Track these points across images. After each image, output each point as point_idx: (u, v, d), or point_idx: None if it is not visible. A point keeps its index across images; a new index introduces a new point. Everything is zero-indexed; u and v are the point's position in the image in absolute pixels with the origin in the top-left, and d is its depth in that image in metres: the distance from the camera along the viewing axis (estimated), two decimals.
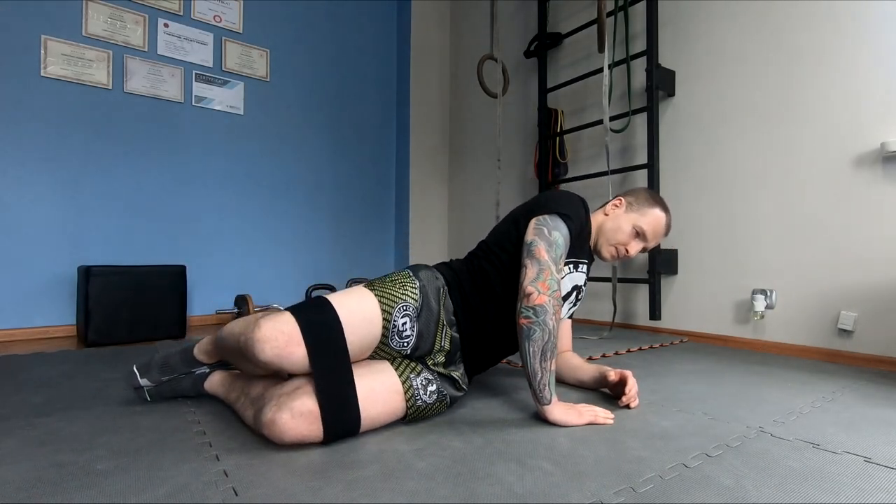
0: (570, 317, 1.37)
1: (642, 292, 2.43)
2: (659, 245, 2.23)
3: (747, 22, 2.10)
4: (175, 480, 0.77)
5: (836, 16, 1.84)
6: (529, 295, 1.01)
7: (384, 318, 0.99)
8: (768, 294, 1.97)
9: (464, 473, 0.80)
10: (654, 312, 2.23)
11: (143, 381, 1.16)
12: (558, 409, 1.03)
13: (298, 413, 0.87)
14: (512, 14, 3.27)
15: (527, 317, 1.00)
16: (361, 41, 3.47)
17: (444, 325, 1.08)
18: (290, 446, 0.89)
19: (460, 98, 3.69)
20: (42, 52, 2.30)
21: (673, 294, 2.33)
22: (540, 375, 1.00)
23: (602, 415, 1.06)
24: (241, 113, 2.90)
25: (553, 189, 1.51)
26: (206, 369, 1.18)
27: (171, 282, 2.25)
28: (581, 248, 1.24)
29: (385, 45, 3.61)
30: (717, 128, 2.19)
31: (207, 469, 0.81)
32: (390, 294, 1.03)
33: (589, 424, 1.04)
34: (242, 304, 2.59)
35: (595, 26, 2.57)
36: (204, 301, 2.75)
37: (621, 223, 1.26)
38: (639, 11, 2.45)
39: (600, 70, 2.45)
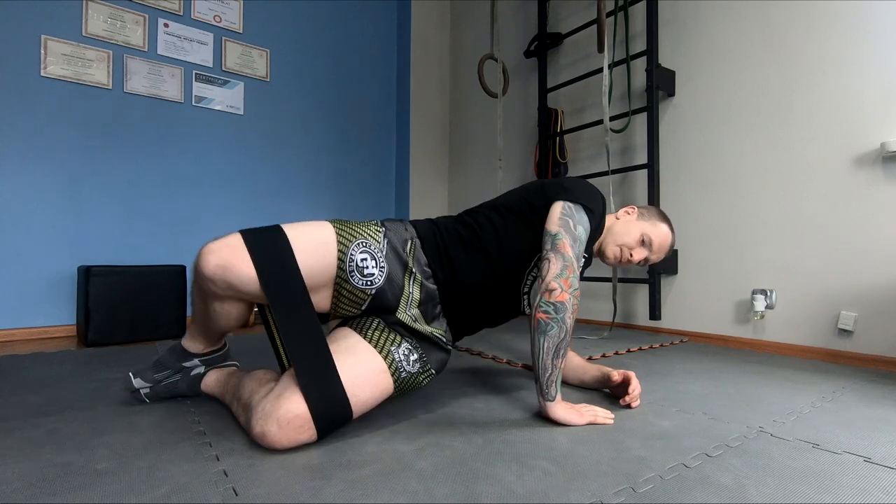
0: None
1: (642, 292, 2.43)
2: None
3: (747, 22, 2.10)
4: (175, 480, 0.77)
5: (836, 16, 1.84)
6: (552, 291, 1.00)
7: (340, 251, 0.97)
8: (768, 294, 1.97)
9: (464, 473, 0.80)
10: (654, 312, 2.23)
11: (138, 382, 1.15)
12: (560, 408, 1.03)
13: (285, 422, 0.86)
14: (512, 14, 3.27)
15: (546, 312, 1.00)
16: (361, 41, 3.47)
17: (413, 273, 1.05)
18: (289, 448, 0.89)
19: (460, 98, 3.69)
20: (42, 52, 2.30)
21: (673, 294, 2.33)
22: (550, 372, 1.00)
23: (602, 415, 1.06)
24: (241, 113, 2.90)
25: (573, 176, 1.50)
26: (200, 368, 1.17)
27: (171, 282, 2.25)
28: (588, 246, 1.23)
29: (385, 45, 3.61)
30: (717, 128, 2.19)
31: (207, 469, 0.81)
32: (350, 230, 1.01)
33: (589, 424, 1.04)
34: None
35: (595, 26, 2.57)
36: None
37: (631, 228, 1.27)
38: (639, 11, 2.45)
39: (600, 70, 2.45)
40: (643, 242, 1.26)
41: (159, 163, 2.62)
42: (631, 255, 1.25)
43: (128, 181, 2.52)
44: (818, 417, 1.12)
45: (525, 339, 2.11)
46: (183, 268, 2.30)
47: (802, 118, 1.92)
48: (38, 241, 2.28)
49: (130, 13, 2.53)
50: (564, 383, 1.37)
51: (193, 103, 2.73)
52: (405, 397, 1.05)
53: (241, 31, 2.90)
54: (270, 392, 0.92)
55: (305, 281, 0.93)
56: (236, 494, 0.72)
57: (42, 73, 2.30)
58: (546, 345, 0.99)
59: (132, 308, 2.13)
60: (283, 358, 1.03)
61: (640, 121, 2.42)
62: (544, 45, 2.88)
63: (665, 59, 2.35)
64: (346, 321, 1.06)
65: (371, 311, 1.03)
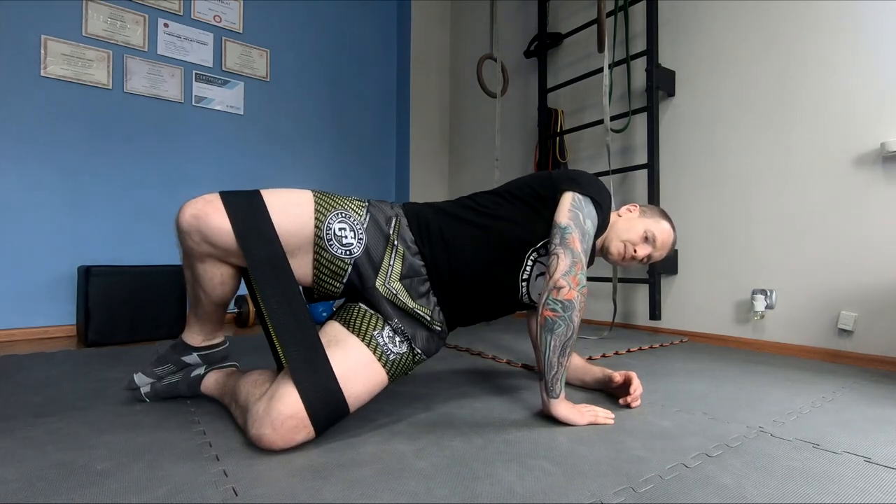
0: None
1: (642, 292, 2.43)
2: None
3: (747, 22, 2.09)
4: (175, 480, 0.76)
5: (836, 16, 1.84)
6: (560, 288, 0.99)
7: (317, 218, 0.97)
8: (768, 294, 1.97)
9: (464, 473, 0.80)
10: (654, 312, 2.23)
11: (139, 379, 1.16)
12: (563, 406, 1.03)
13: (279, 423, 0.86)
14: (512, 14, 3.27)
15: (553, 310, 0.99)
16: (361, 41, 3.47)
17: (395, 246, 1.04)
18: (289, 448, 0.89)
19: (460, 98, 3.69)
20: (42, 52, 2.30)
21: (673, 294, 2.33)
22: (555, 370, 1.00)
23: (602, 415, 1.06)
24: (241, 113, 2.90)
25: (579, 169, 1.49)
26: (199, 368, 1.17)
27: (171, 282, 2.25)
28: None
29: (385, 45, 3.61)
30: (717, 128, 2.19)
31: (207, 469, 0.81)
32: (330, 200, 1.01)
33: (590, 424, 1.04)
34: (243, 304, 2.59)
35: (595, 26, 2.57)
36: None
37: (634, 224, 1.26)
38: (639, 11, 2.45)
39: (600, 70, 2.45)
40: (647, 239, 1.25)
41: (159, 163, 2.62)
42: (635, 252, 1.24)
43: (128, 181, 2.52)
44: (818, 417, 1.12)
45: (525, 339, 2.11)
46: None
47: (802, 118, 1.92)
48: (38, 241, 2.28)
49: (130, 13, 2.53)
50: (566, 384, 1.37)
51: (193, 103, 2.73)
52: (401, 384, 1.03)
53: (241, 31, 2.90)
54: (264, 395, 0.92)
55: (281, 240, 0.93)
56: (236, 494, 0.72)
57: (42, 73, 2.30)
58: (553, 343, 0.99)
59: (132, 308, 2.13)
60: (281, 354, 1.03)
61: (640, 121, 2.42)
62: (544, 45, 2.88)
63: (665, 59, 2.35)
64: (333, 315, 1.06)
65: (352, 287, 1.01)
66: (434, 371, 1.54)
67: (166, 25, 2.64)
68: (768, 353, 1.91)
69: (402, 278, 1.04)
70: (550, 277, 1.01)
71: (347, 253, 0.98)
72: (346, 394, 0.91)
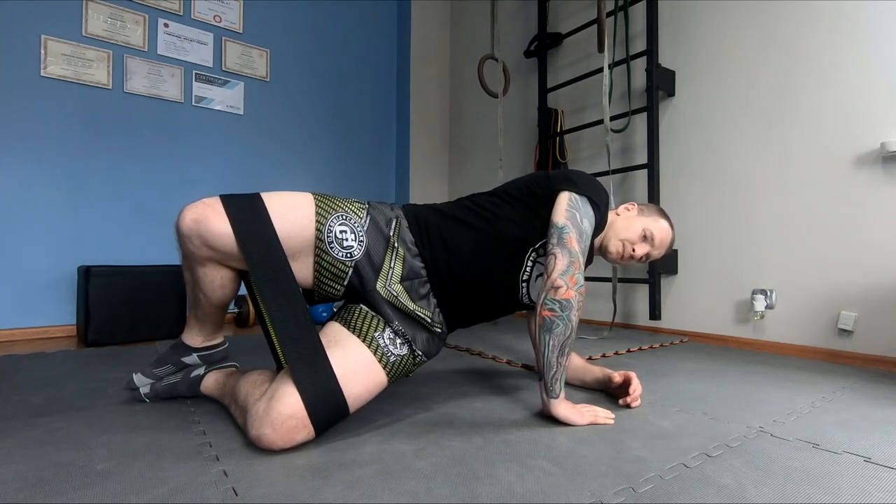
0: None
1: (642, 292, 2.43)
2: None
3: (747, 22, 2.09)
4: (175, 480, 0.76)
5: (836, 16, 1.84)
6: (558, 288, 0.99)
7: (318, 221, 0.97)
8: (768, 294, 1.97)
9: (464, 473, 0.80)
10: (654, 312, 2.23)
11: (139, 380, 1.16)
12: (563, 406, 1.03)
13: (279, 423, 0.86)
14: (512, 14, 3.27)
15: (551, 309, 0.99)
16: (361, 41, 3.47)
17: (395, 248, 1.03)
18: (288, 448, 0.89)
19: (460, 98, 3.69)
20: (42, 52, 2.30)
21: (673, 294, 2.33)
22: (555, 370, 1.00)
23: (602, 415, 1.06)
24: (241, 113, 2.90)
25: (576, 169, 1.49)
26: (199, 368, 1.17)
27: (171, 282, 2.24)
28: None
29: (385, 45, 3.61)
30: (717, 128, 2.19)
31: (207, 469, 0.81)
32: (331, 203, 1.01)
33: (590, 424, 1.04)
34: (243, 304, 2.59)
35: (595, 26, 2.57)
36: None
37: (632, 223, 1.26)
38: (639, 11, 2.45)
39: (600, 70, 2.45)
40: (645, 237, 1.25)
41: (159, 163, 2.62)
42: (633, 251, 1.24)
43: (128, 181, 2.52)
44: (818, 417, 1.12)
45: (525, 339, 2.11)
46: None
47: (802, 118, 1.92)
48: (38, 241, 2.28)
49: (130, 13, 2.53)
50: (566, 384, 1.36)
51: (193, 103, 2.73)
52: (401, 384, 1.03)
53: (241, 31, 2.90)
54: (264, 395, 0.92)
55: (282, 243, 0.93)
56: (236, 494, 0.72)
57: (42, 73, 2.30)
58: (551, 343, 0.99)
59: (132, 308, 2.13)
60: (281, 355, 1.03)
61: (640, 121, 2.42)
62: (544, 45, 2.88)
63: (665, 59, 2.35)
64: (333, 315, 1.06)
65: (353, 289, 1.01)
66: (434, 371, 1.54)
67: (166, 25, 2.64)
68: (768, 353, 1.91)
69: (402, 280, 1.03)
70: (548, 277, 1.02)
71: (348, 255, 0.98)
72: (346, 394, 0.91)
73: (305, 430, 0.88)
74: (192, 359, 1.16)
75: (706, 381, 1.44)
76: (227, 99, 2.84)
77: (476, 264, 1.09)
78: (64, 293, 2.34)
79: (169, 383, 1.17)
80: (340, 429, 0.99)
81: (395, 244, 1.04)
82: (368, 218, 1.03)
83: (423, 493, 0.73)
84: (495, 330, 2.36)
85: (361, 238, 1.00)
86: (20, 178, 2.25)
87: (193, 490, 0.73)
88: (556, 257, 1.02)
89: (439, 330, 1.08)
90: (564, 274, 1.00)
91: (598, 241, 1.29)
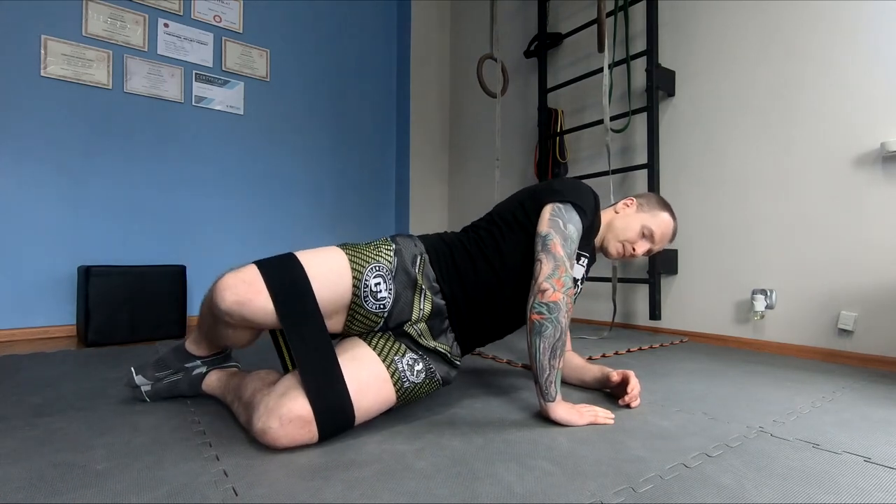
0: None
1: (642, 292, 2.43)
2: None
3: (747, 21, 2.10)
4: (175, 480, 0.77)
5: (836, 15, 1.84)
6: (544, 291, 1.00)
7: (355, 277, 0.97)
8: (768, 294, 1.97)
9: (464, 473, 0.80)
10: (654, 312, 2.23)
11: (139, 379, 1.16)
12: (561, 408, 1.03)
13: (287, 420, 0.86)
14: (512, 14, 3.27)
15: (539, 312, 1.00)
16: (361, 41, 3.47)
17: (422, 289, 1.05)
18: (289, 448, 0.89)
19: (460, 98, 3.69)
20: (42, 52, 2.30)
21: (673, 294, 2.33)
22: (548, 372, 1.00)
23: (602, 415, 1.06)
24: (241, 113, 2.90)
25: (564, 177, 1.51)
26: (201, 367, 1.17)
27: (171, 282, 2.25)
28: (586, 243, 1.23)
29: (385, 45, 3.61)
30: (717, 128, 2.19)
31: (207, 469, 0.81)
32: (362, 254, 1.01)
33: (589, 424, 1.04)
34: None
35: (595, 26, 2.57)
36: None
37: (631, 222, 1.27)
38: (639, 11, 2.45)
39: (600, 70, 2.45)
40: (644, 235, 1.26)
41: (159, 163, 2.62)
42: (634, 250, 1.25)
43: (128, 181, 2.52)
44: (818, 417, 1.12)
45: (525, 338, 2.10)
46: (183, 268, 2.30)
47: (802, 118, 1.92)
48: (38, 241, 2.28)
49: (130, 13, 2.53)
50: (565, 383, 1.37)
51: (193, 103, 2.73)
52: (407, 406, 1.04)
53: (241, 31, 2.90)
54: (273, 391, 0.92)
55: (321, 309, 0.94)
56: (236, 494, 0.72)
57: (42, 73, 2.30)
58: (542, 346, 0.99)
59: (132, 308, 2.13)
60: (287, 361, 1.03)
61: (640, 121, 2.42)
62: (544, 45, 2.88)
63: (665, 59, 2.36)
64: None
65: (382, 329, 1.04)
66: None
67: (166, 25, 2.64)
68: (768, 353, 1.91)
69: (427, 319, 1.06)
70: (535, 282, 1.03)
71: (381, 308, 1.00)
72: (355, 407, 0.92)
73: (310, 434, 0.88)
74: (195, 364, 1.17)
75: (706, 381, 1.44)
76: (227, 99, 2.84)
77: (490, 297, 1.12)
78: (64, 293, 2.34)
79: (170, 381, 1.17)
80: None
81: (422, 285, 1.05)
82: (397, 260, 1.04)
83: (423, 493, 0.73)
84: None
85: (391, 286, 1.01)
86: (20, 178, 2.25)
87: (193, 490, 0.73)
88: (541, 263, 1.04)
89: (458, 363, 1.11)
90: (550, 277, 1.01)
91: (598, 241, 1.30)
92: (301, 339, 0.90)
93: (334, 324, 0.99)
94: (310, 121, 3.20)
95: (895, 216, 1.69)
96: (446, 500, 0.71)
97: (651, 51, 2.26)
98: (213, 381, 1.16)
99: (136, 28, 2.54)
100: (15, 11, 2.25)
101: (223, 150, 2.84)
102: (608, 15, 2.39)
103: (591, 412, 1.05)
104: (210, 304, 0.92)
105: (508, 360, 1.69)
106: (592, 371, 1.30)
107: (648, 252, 1.28)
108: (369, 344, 1.00)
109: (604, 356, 1.79)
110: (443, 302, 1.08)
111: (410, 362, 1.00)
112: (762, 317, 1.99)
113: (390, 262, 1.02)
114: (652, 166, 2.26)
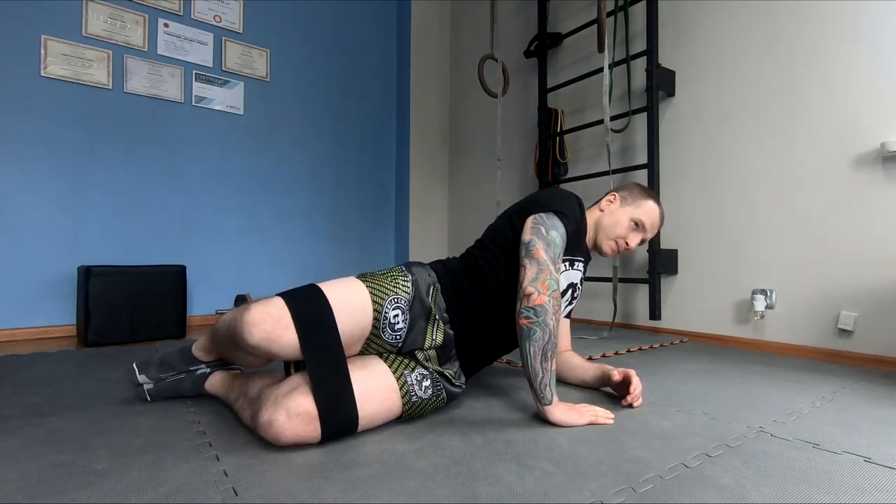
0: (567, 315, 1.37)
1: (642, 292, 2.43)
2: (659, 245, 2.23)
3: (748, 22, 2.09)
4: (175, 480, 0.77)
5: (837, 15, 1.84)
6: (529, 295, 1.01)
7: (375, 310, 0.99)
8: (768, 294, 1.97)
9: (464, 473, 0.80)
10: (654, 312, 2.23)
11: (142, 378, 1.16)
12: (559, 410, 1.03)
13: (294, 414, 0.87)
14: (512, 14, 3.27)
15: (527, 317, 1.00)
16: (361, 41, 3.47)
17: (435, 319, 1.07)
18: (289, 447, 0.89)
19: (460, 98, 3.69)
20: (42, 52, 2.30)
21: (673, 294, 2.33)
22: (541, 376, 1.00)
23: (602, 415, 1.06)
24: (241, 113, 2.90)
25: (547, 187, 1.52)
26: (205, 369, 1.18)
27: (171, 282, 2.25)
28: (577, 246, 1.24)
29: (385, 45, 3.61)
30: (717, 128, 2.19)
31: (207, 469, 0.81)
32: (382, 286, 1.02)
33: (589, 424, 1.04)
34: (242, 304, 2.59)
35: (595, 26, 2.57)
36: (204, 301, 2.75)
37: (619, 217, 1.28)
38: (639, 11, 2.45)
39: (600, 70, 2.45)
40: (635, 227, 1.28)
41: (159, 163, 2.62)
42: (627, 244, 1.27)
43: (128, 181, 2.53)
44: (818, 417, 1.12)
45: None
46: (183, 268, 2.30)
47: (802, 118, 1.92)
48: (38, 241, 2.28)
49: (130, 13, 2.53)
50: (566, 383, 1.37)
51: (193, 103, 2.73)
52: (411, 422, 1.05)
53: (241, 31, 2.90)
54: (282, 386, 0.93)
55: (343, 342, 0.95)
56: (236, 494, 0.72)
57: (42, 73, 2.30)
58: (532, 349, 1.00)
59: (132, 308, 2.13)
60: (291, 364, 1.03)
61: (640, 121, 2.42)
62: (544, 45, 2.88)
63: (665, 59, 2.35)
64: None
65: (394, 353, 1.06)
66: None
67: (166, 25, 2.64)
68: (768, 353, 1.91)
69: (437, 348, 1.07)
70: (520, 287, 1.04)
71: (398, 338, 1.02)
72: (360, 412, 0.92)
73: (314, 431, 0.88)
74: (201, 368, 1.18)
75: (706, 381, 1.44)
76: (227, 99, 2.84)
77: (494, 326, 1.15)
78: (64, 293, 2.34)
79: (173, 380, 1.17)
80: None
81: (435, 315, 1.07)
82: (414, 290, 1.05)
83: (423, 493, 0.73)
84: None
85: (407, 316, 1.03)
86: (20, 178, 2.25)
87: (193, 490, 0.73)
88: (525, 268, 1.05)
89: (461, 388, 1.13)
90: (535, 281, 1.02)
91: (590, 241, 1.32)
92: (316, 356, 0.92)
93: (352, 351, 1.01)
94: (310, 121, 3.20)
95: (895, 216, 1.69)
96: (446, 500, 0.71)
97: (651, 51, 2.26)
98: (216, 381, 1.17)
99: (136, 28, 2.54)
100: (15, 11, 2.25)
101: (223, 151, 2.84)
102: (608, 15, 2.39)
103: (591, 412, 1.05)
104: (234, 333, 0.91)
105: (508, 361, 1.69)
106: (592, 370, 1.30)
107: (642, 242, 1.30)
108: (380, 356, 1.03)
109: (604, 356, 1.79)
110: (451, 331, 1.10)
111: (419, 378, 1.02)
112: (762, 317, 1.99)
113: (408, 294, 1.04)
114: (652, 166, 2.26)
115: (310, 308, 0.92)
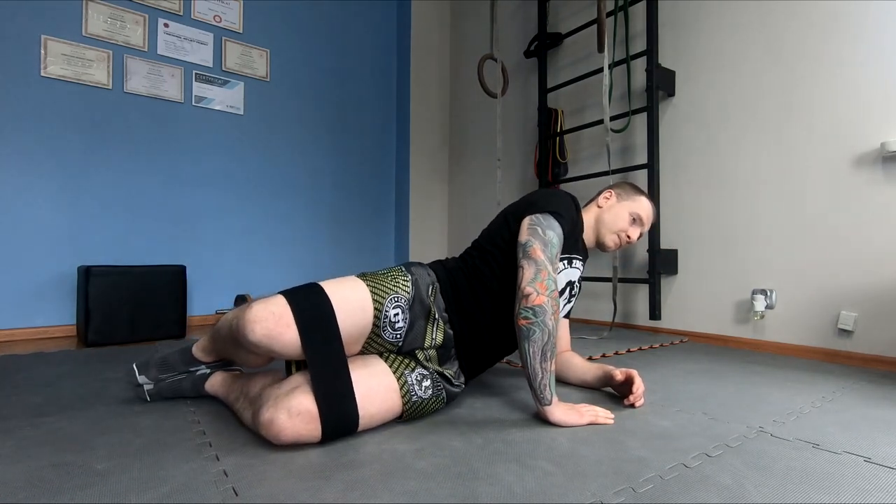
0: (566, 315, 1.37)
1: (642, 292, 2.43)
2: (659, 245, 2.23)
3: (748, 22, 2.09)
4: (175, 480, 0.77)
5: (837, 15, 1.84)
6: (528, 296, 1.01)
7: (375, 309, 0.99)
8: (768, 294, 1.97)
9: (464, 473, 0.80)
10: (654, 312, 2.23)
11: (142, 379, 1.16)
12: (559, 410, 1.03)
13: (296, 413, 0.87)
14: (512, 14, 3.27)
15: (526, 317, 1.00)
16: (361, 41, 3.47)
17: (435, 319, 1.08)
18: (289, 446, 0.89)
19: (460, 98, 3.69)
20: (42, 52, 2.30)
21: (673, 294, 2.33)
22: (540, 376, 1.00)
23: (602, 415, 1.06)
24: (241, 113, 2.90)
25: (543, 188, 1.54)
26: (205, 370, 1.18)
27: (171, 282, 2.25)
28: (574, 245, 1.25)
29: (385, 46, 3.61)
30: (717, 128, 2.19)
31: (207, 469, 0.81)
32: (382, 285, 1.02)
33: (589, 424, 1.04)
34: (242, 304, 2.59)
35: (595, 26, 2.57)
36: (204, 301, 2.75)
37: (618, 212, 1.32)
38: (639, 11, 2.45)
39: (600, 70, 2.45)
40: (634, 220, 1.32)
41: (159, 163, 2.62)
42: (629, 238, 1.31)
43: (128, 181, 2.53)
44: (818, 417, 1.12)
45: None
46: (183, 268, 2.30)
47: (802, 118, 1.92)
48: (38, 241, 2.28)
49: (130, 13, 2.53)
50: (567, 384, 1.37)
51: (193, 103, 2.73)
52: (411, 422, 1.05)
53: (241, 31, 2.90)
54: (283, 385, 0.93)
55: (343, 340, 0.95)
56: (236, 494, 0.72)
57: (42, 73, 2.30)
58: (531, 350, 1.00)
59: (132, 308, 2.13)
60: (292, 364, 1.03)
61: (640, 121, 2.42)
62: (544, 45, 2.88)
63: (665, 59, 2.35)
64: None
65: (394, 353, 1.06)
66: None
67: (166, 25, 2.64)
68: (768, 353, 1.91)
69: (437, 348, 1.08)
70: (518, 288, 1.04)
71: (398, 337, 1.02)
72: (360, 413, 0.93)
73: (314, 431, 0.88)
74: (201, 369, 1.18)
75: (706, 381, 1.44)
76: (227, 99, 2.84)
77: (493, 326, 1.15)
78: (64, 293, 2.34)
79: (173, 381, 1.18)
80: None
81: (435, 314, 1.08)
82: (414, 290, 1.06)
83: (423, 493, 0.73)
84: None
85: (407, 315, 1.03)
86: (20, 177, 2.25)
87: (193, 490, 0.73)
88: (523, 269, 1.05)
89: (461, 388, 1.14)
90: (533, 281, 1.02)
91: (591, 238, 1.34)
92: (317, 354, 0.92)
93: (353, 350, 1.01)
94: (310, 121, 3.20)
95: (895, 216, 1.69)
96: (446, 500, 0.71)
97: (651, 51, 2.26)
98: (216, 381, 1.17)
99: (136, 28, 2.54)
100: (15, 11, 2.25)
101: (223, 151, 2.84)
102: (608, 15, 2.39)
103: (591, 412, 1.05)
104: (236, 331, 0.91)
105: (508, 360, 1.68)
106: (593, 370, 1.30)
107: (640, 236, 1.34)
108: (380, 356, 1.03)
109: (604, 356, 1.79)
110: (451, 332, 1.11)
111: (419, 377, 1.02)
112: (762, 317, 1.99)
113: (408, 293, 1.04)
114: (652, 166, 2.26)
115: (311, 306, 0.93)
